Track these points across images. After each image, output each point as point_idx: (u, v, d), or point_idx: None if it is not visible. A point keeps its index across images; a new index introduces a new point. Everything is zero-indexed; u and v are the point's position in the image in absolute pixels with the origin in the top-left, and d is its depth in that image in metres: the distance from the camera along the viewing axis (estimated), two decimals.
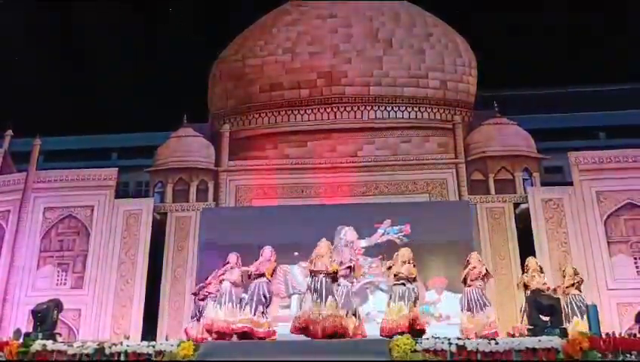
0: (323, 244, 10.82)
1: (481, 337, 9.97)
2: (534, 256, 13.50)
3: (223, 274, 11.37)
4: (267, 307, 10.99)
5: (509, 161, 16.61)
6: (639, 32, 21.37)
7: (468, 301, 11.18)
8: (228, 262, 11.60)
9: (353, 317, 10.68)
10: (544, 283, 11.61)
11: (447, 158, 16.94)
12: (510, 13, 22.64)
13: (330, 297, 10.25)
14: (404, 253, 11.10)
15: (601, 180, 15.45)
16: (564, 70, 23.58)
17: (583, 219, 15.19)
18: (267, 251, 11.34)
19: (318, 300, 10.19)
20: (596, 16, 22.35)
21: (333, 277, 10.57)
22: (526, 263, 12.27)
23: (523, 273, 12.17)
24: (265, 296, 10.94)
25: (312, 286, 10.40)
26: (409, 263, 10.92)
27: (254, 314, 10.71)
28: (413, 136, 17.35)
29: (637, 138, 20.56)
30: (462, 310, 11.25)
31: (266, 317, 10.90)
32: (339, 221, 15.34)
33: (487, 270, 11.52)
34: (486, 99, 18.05)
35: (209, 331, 10.99)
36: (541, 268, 12.12)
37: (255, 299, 10.84)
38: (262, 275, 11.05)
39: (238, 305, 11.13)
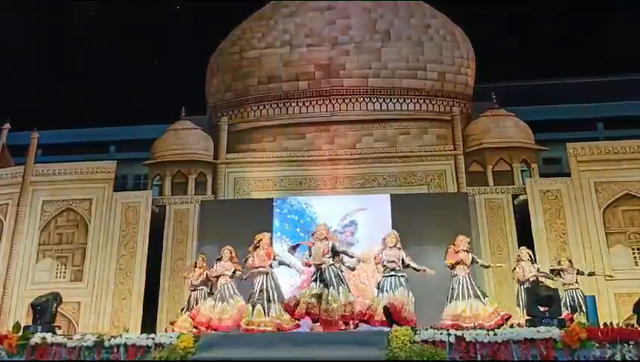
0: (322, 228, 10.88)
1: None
2: (532, 247, 13.60)
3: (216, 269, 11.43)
4: (281, 301, 10.91)
5: (508, 153, 16.60)
6: (638, 22, 21.32)
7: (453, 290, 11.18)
8: (221, 258, 11.65)
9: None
10: (538, 270, 11.81)
11: (445, 150, 16.92)
12: (509, 5, 22.58)
13: (342, 286, 10.34)
14: (392, 237, 11.00)
15: (599, 171, 15.46)
16: (562, 61, 23.55)
17: (581, 210, 15.21)
18: (264, 239, 11.27)
19: (329, 289, 10.24)
20: (595, 7, 22.30)
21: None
22: (517, 253, 12.42)
23: (516, 263, 12.34)
24: (278, 291, 10.90)
25: (319, 276, 10.44)
26: (397, 248, 10.89)
27: (270, 313, 10.61)
28: (411, 128, 17.34)
29: (635, 129, 20.58)
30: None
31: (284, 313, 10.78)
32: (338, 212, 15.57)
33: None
34: (484, 91, 18.02)
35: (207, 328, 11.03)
36: (531, 258, 12.26)
37: (271, 296, 10.75)
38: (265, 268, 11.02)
39: (232, 302, 11.19)
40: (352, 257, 11.11)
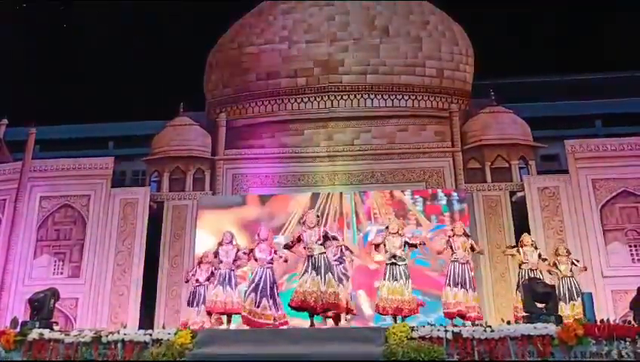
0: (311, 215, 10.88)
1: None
2: None
3: (217, 254, 11.39)
4: (276, 298, 10.84)
5: (506, 150, 16.60)
6: (636, 19, 21.33)
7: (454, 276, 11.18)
8: (222, 242, 11.57)
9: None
10: (539, 255, 11.77)
11: (443, 147, 16.92)
12: (509, 5, 22.61)
13: (329, 274, 10.32)
14: (394, 225, 11.02)
15: (597, 168, 15.47)
16: (561, 58, 23.59)
17: (578, 207, 15.22)
18: (264, 231, 11.25)
19: (318, 277, 10.21)
20: (595, 7, 22.34)
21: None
22: (521, 239, 12.36)
23: (517, 248, 12.26)
24: (273, 286, 10.85)
25: (311, 263, 10.39)
26: (399, 235, 10.86)
27: (258, 306, 10.59)
28: (410, 125, 17.33)
29: (633, 126, 20.61)
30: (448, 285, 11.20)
31: (278, 310, 10.74)
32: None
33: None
34: (483, 88, 18.02)
35: (210, 313, 11.02)
36: (533, 244, 12.21)
37: (262, 288, 10.70)
38: (271, 261, 10.96)
39: (236, 289, 11.15)
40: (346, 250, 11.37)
